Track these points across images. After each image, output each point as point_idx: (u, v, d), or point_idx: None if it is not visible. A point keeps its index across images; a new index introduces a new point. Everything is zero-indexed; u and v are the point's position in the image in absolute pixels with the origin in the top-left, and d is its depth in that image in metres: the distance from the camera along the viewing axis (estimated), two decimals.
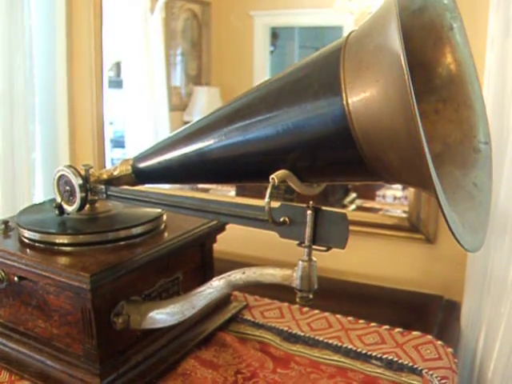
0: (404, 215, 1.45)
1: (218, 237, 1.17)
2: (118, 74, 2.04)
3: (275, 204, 0.75)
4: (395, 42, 0.56)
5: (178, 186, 1.80)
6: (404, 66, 0.54)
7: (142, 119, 2.01)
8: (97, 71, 1.82)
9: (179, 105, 2.00)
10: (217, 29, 1.92)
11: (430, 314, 1.31)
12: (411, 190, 1.41)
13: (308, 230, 0.73)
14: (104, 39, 1.80)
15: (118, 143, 2.08)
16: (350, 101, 0.64)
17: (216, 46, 1.92)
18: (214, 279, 0.85)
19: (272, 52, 1.85)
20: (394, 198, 1.66)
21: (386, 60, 0.60)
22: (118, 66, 2.03)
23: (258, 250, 1.53)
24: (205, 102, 1.94)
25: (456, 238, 0.62)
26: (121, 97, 1.99)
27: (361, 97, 0.63)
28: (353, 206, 1.67)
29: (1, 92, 1.64)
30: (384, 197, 1.67)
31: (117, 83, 2.00)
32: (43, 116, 1.86)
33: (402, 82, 0.55)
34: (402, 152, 0.61)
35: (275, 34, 1.86)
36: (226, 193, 1.82)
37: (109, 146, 1.94)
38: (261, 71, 1.80)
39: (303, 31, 1.87)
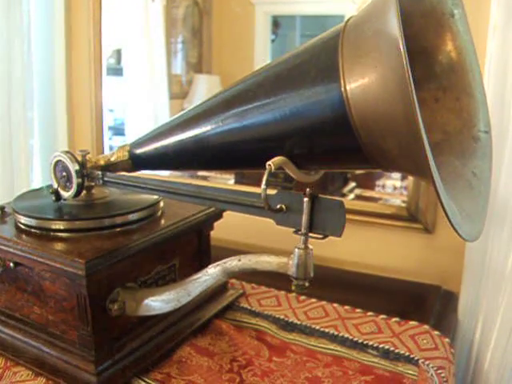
0: (403, 205, 1.45)
1: (215, 224, 1.17)
2: (119, 61, 2.03)
3: (272, 191, 0.75)
4: (394, 28, 0.56)
5: (176, 173, 1.80)
6: (403, 51, 0.54)
7: (142, 107, 2.00)
8: (96, 58, 1.81)
9: (179, 93, 1.99)
10: (218, 17, 1.90)
11: (427, 304, 1.31)
12: (410, 180, 1.41)
13: (304, 218, 0.72)
14: (104, 26, 1.79)
15: (118, 131, 2.07)
16: (348, 87, 0.63)
17: (217, 34, 1.91)
18: (210, 266, 0.84)
19: (273, 41, 1.84)
20: (393, 188, 1.65)
21: (384, 46, 0.59)
22: (118, 53, 2.02)
23: (254, 237, 1.53)
24: (205, 90, 1.93)
25: (453, 227, 0.61)
26: (121, 84, 1.98)
27: (359, 83, 0.62)
28: (352, 195, 1.66)
29: None
30: (383, 187, 1.67)
31: (117, 70, 1.99)
32: (41, 102, 1.85)
33: (400, 67, 0.55)
34: (400, 139, 0.60)
35: (276, 23, 1.85)
36: (226, 181, 1.81)
37: (108, 134, 1.94)
38: (261, 60, 1.79)
39: (305, 20, 1.86)
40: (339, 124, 0.65)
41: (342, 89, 0.64)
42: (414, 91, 0.54)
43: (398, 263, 1.44)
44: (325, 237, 0.72)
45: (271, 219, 0.76)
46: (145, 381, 0.95)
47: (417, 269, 1.42)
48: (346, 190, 1.67)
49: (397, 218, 1.42)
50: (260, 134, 0.75)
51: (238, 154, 0.81)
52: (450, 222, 0.60)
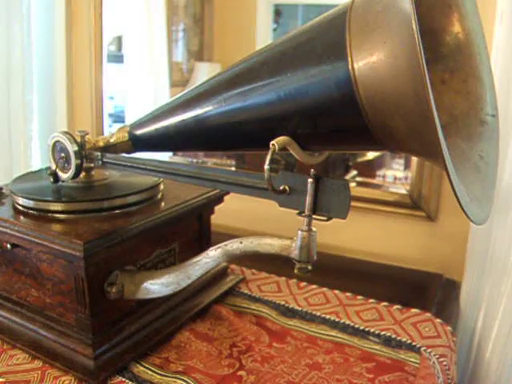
0: (405, 192, 1.43)
1: (216, 210, 1.15)
2: (119, 48, 2.02)
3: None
4: (406, 2, 0.54)
5: (176, 159, 1.79)
6: (414, 25, 0.52)
7: (142, 94, 1.98)
8: (96, 43, 1.79)
9: (180, 80, 1.98)
10: (220, 4, 1.89)
11: (429, 292, 1.29)
12: (414, 167, 1.39)
13: (308, 199, 0.71)
14: (105, 12, 1.77)
15: (118, 118, 2.05)
16: (355, 65, 0.62)
17: (218, 21, 1.90)
18: (211, 249, 0.83)
19: (275, 30, 1.83)
20: (394, 178, 1.64)
21: (394, 21, 0.58)
22: (119, 40, 2.00)
23: (255, 224, 1.52)
24: (206, 78, 1.92)
25: (463, 209, 0.60)
26: (122, 71, 1.97)
27: (367, 60, 0.61)
28: (353, 184, 1.65)
29: None
30: (384, 177, 1.65)
31: (118, 57, 1.97)
32: (41, 87, 1.82)
33: (411, 42, 0.53)
34: (409, 118, 0.59)
35: (278, 11, 1.83)
36: (226, 168, 1.80)
37: (109, 121, 1.92)
38: None
39: (307, 9, 1.84)
40: (346, 103, 0.64)
41: (350, 66, 0.62)
42: (425, 67, 0.52)
43: (400, 251, 1.43)
44: (329, 219, 0.71)
45: (274, 201, 0.75)
46: (143, 365, 0.94)
47: (419, 257, 1.41)
48: (347, 177, 1.66)
49: (399, 205, 1.41)
50: (264, 113, 0.74)
51: (240, 134, 0.79)
52: (459, 203, 0.58)
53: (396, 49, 0.57)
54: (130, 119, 1.97)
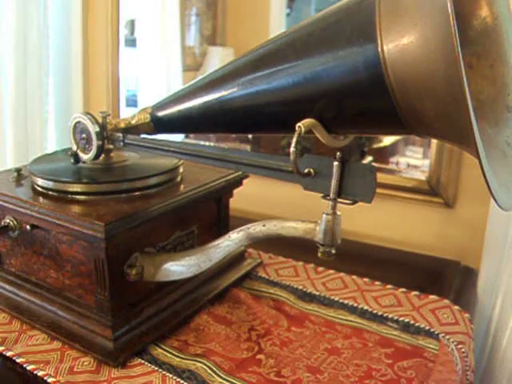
0: (424, 178, 1.42)
1: (234, 194, 1.15)
2: (132, 32, 2.01)
3: None
4: None
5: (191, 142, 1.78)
6: (450, 6, 0.51)
7: (155, 79, 1.98)
8: (113, 26, 1.79)
9: (193, 65, 1.97)
10: None
11: (446, 279, 1.29)
12: (432, 155, 1.38)
13: (333, 182, 0.70)
14: None
15: (131, 102, 2.05)
16: (385, 47, 0.61)
17: (231, 6, 1.89)
18: (233, 231, 0.82)
19: (288, 14, 1.81)
20: (407, 165, 1.63)
21: (426, 3, 0.57)
22: (132, 24, 2.00)
23: (273, 208, 1.51)
24: (219, 63, 1.91)
25: (493, 196, 0.59)
26: (134, 55, 1.96)
27: (397, 42, 0.60)
28: None
29: (15, 42, 1.61)
30: (397, 163, 1.64)
31: (131, 41, 1.96)
32: (57, 69, 1.82)
33: (444, 25, 0.52)
34: (439, 102, 0.58)
35: None
36: None
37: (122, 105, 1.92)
38: (276, 33, 1.76)
39: None
40: (374, 85, 0.63)
41: (379, 49, 0.61)
42: (460, 51, 0.51)
43: (417, 237, 1.42)
44: (354, 202, 0.71)
45: (299, 184, 0.74)
46: (162, 347, 0.94)
47: (436, 243, 1.40)
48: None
49: (417, 191, 1.41)
50: (289, 95, 0.73)
51: (265, 117, 0.78)
52: (489, 190, 0.58)
53: (428, 31, 0.56)
54: (142, 103, 1.97)
